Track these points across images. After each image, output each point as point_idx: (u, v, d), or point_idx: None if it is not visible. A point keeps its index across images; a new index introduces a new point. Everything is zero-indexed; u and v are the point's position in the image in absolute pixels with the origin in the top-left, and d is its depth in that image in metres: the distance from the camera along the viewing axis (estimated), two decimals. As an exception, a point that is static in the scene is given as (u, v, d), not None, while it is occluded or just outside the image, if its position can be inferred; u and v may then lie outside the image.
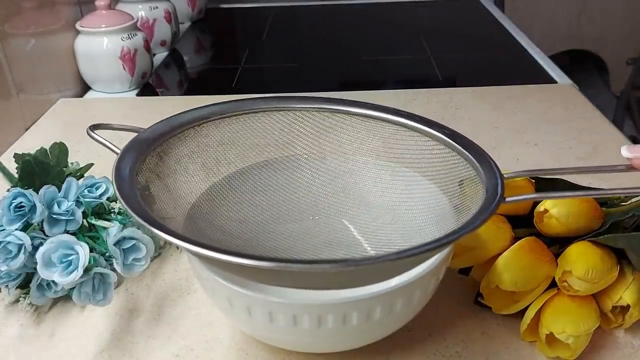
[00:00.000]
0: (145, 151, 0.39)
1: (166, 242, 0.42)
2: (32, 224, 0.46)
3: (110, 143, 0.40)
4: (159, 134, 0.41)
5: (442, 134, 0.43)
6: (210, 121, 0.44)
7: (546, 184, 0.47)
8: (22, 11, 0.78)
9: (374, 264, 0.30)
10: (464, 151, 0.41)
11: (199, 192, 0.43)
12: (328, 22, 1.30)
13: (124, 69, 0.88)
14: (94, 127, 0.41)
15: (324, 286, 0.34)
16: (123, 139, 0.40)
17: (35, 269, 0.43)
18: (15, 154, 0.50)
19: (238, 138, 0.46)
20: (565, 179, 0.48)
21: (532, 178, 0.47)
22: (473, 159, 0.39)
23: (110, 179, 0.48)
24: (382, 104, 0.46)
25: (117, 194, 0.34)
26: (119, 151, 0.38)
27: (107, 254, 0.47)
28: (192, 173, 0.43)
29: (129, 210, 0.32)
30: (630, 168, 0.37)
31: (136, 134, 0.41)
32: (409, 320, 0.40)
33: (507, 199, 0.35)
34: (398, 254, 0.30)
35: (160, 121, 0.42)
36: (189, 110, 0.44)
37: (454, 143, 0.42)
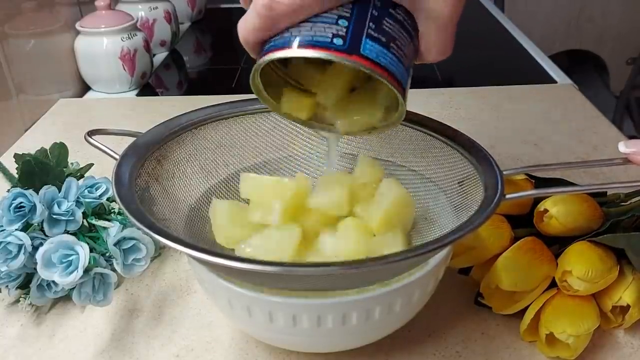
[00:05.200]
0: (144, 156, 0.39)
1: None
2: (32, 224, 0.46)
3: (108, 148, 0.40)
4: (157, 137, 0.41)
5: (442, 132, 0.43)
6: (207, 123, 0.44)
7: (546, 183, 0.47)
8: (22, 12, 0.78)
9: (377, 266, 0.30)
10: (463, 149, 0.41)
11: (198, 194, 0.43)
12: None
13: (124, 69, 0.88)
14: (92, 133, 0.41)
15: (323, 287, 0.34)
16: (124, 140, 0.40)
17: (35, 269, 0.43)
18: (15, 154, 0.50)
19: (236, 139, 0.46)
20: (565, 178, 0.48)
21: (532, 178, 0.47)
22: (472, 157, 0.40)
23: (110, 180, 0.49)
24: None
25: (118, 201, 0.34)
26: (117, 156, 0.39)
27: (107, 254, 0.47)
28: (191, 176, 0.43)
29: (131, 218, 0.33)
30: (626, 161, 0.38)
31: (134, 138, 0.41)
32: (409, 320, 0.40)
33: (507, 196, 0.35)
34: (400, 255, 0.30)
35: (158, 125, 0.42)
36: (186, 113, 0.44)
37: (453, 141, 0.42)
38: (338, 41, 0.29)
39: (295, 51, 0.30)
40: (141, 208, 0.34)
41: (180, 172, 0.43)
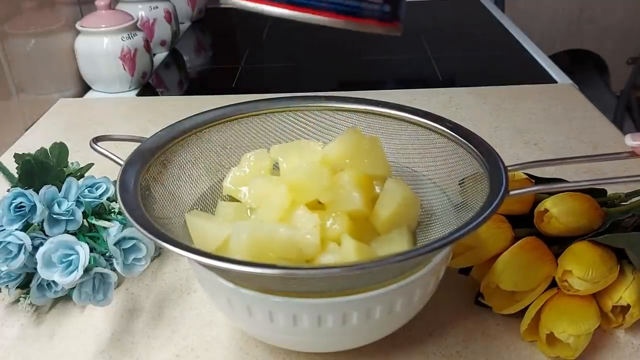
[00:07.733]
0: (148, 161, 0.39)
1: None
2: (33, 224, 0.46)
3: (113, 154, 0.40)
4: (161, 142, 0.41)
5: (445, 127, 0.43)
6: (211, 126, 0.44)
7: (547, 181, 0.47)
8: (22, 11, 0.78)
9: (378, 267, 0.30)
10: (468, 144, 0.41)
11: (204, 196, 0.44)
12: (328, 22, 1.30)
13: (124, 69, 0.88)
14: (97, 140, 0.42)
15: (326, 289, 0.34)
16: (127, 142, 0.40)
17: (35, 269, 0.43)
18: (15, 154, 0.50)
19: (240, 141, 0.46)
20: (566, 177, 0.48)
21: (532, 177, 0.47)
22: (477, 152, 0.40)
23: (110, 179, 0.49)
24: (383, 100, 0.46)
25: (123, 208, 0.34)
26: (122, 162, 0.39)
27: (107, 254, 0.47)
28: (196, 179, 0.43)
29: (137, 226, 0.32)
30: (633, 155, 0.38)
31: (139, 143, 0.41)
32: (409, 320, 0.40)
33: (511, 192, 0.35)
34: (405, 254, 0.30)
35: (162, 129, 0.42)
36: (190, 117, 0.44)
37: (457, 136, 0.42)
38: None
39: None
40: (147, 215, 0.34)
41: (186, 175, 0.43)
